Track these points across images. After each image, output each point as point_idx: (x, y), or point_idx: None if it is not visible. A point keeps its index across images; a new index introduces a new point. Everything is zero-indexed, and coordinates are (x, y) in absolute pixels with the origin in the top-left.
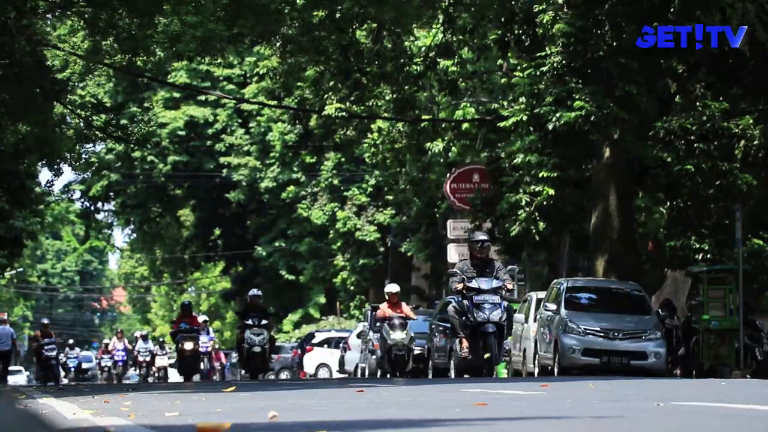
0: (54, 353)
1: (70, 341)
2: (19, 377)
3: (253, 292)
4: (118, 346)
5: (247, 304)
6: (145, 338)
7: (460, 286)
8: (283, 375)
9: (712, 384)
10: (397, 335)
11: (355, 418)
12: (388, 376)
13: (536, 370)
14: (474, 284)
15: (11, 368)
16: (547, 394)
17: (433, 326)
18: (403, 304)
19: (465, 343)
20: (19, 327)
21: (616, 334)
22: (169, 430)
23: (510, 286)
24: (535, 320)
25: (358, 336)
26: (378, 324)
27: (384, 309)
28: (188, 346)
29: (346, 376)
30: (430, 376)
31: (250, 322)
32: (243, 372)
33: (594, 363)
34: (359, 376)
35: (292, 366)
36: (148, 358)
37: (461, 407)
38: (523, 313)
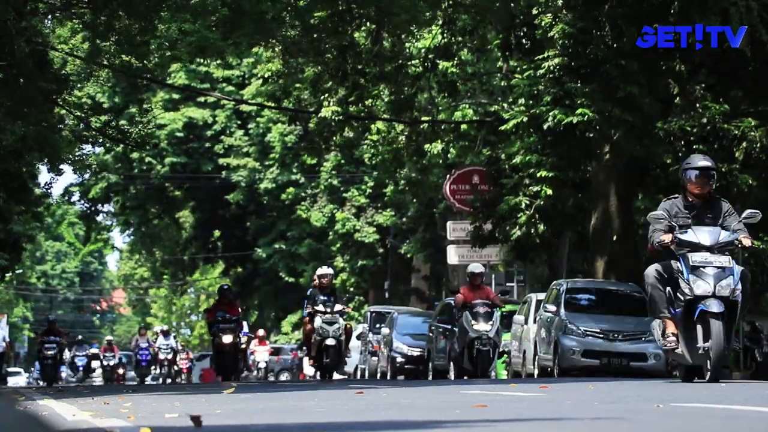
0: (53, 352)
1: (79, 337)
2: (18, 379)
3: (323, 270)
4: (141, 344)
5: (317, 286)
6: (166, 334)
7: (666, 239)
8: (283, 377)
9: (712, 386)
10: (482, 326)
11: (354, 419)
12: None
13: (536, 372)
14: (689, 236)
15: (11, 369)
16: (547, 396)
17: (433, 327)
18: (488, 287)
19: (671, 328)
20: (18, 328)
21: (615, 335)
22: None
23: (747, 243)
24: (534, 321)
25: (358, 337)
26: (457, 312)
27: (465, 293)
28: (227, 339)
29: (346, 377)
30: (430, 378)
31: (321, 308)
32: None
33: (594, 364)
34: (359, 377)
35: (292, 368)
36: (170, 356)
37: (461, 409)
38: (522, 315)
